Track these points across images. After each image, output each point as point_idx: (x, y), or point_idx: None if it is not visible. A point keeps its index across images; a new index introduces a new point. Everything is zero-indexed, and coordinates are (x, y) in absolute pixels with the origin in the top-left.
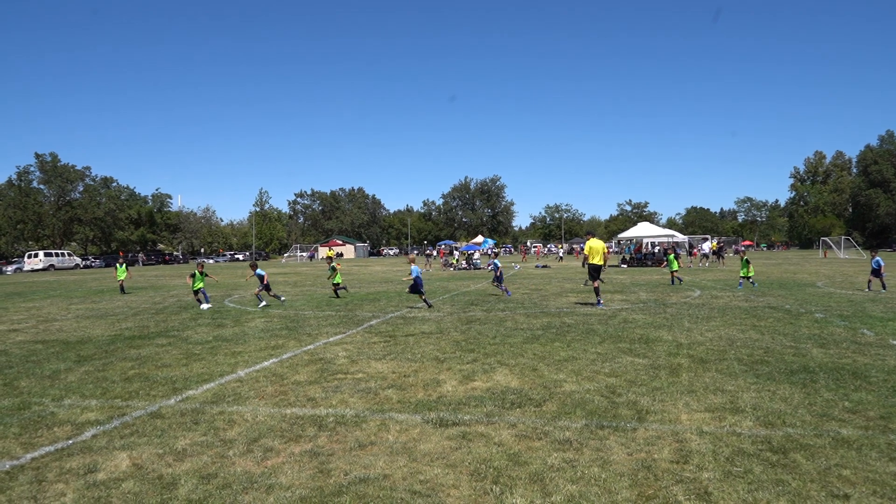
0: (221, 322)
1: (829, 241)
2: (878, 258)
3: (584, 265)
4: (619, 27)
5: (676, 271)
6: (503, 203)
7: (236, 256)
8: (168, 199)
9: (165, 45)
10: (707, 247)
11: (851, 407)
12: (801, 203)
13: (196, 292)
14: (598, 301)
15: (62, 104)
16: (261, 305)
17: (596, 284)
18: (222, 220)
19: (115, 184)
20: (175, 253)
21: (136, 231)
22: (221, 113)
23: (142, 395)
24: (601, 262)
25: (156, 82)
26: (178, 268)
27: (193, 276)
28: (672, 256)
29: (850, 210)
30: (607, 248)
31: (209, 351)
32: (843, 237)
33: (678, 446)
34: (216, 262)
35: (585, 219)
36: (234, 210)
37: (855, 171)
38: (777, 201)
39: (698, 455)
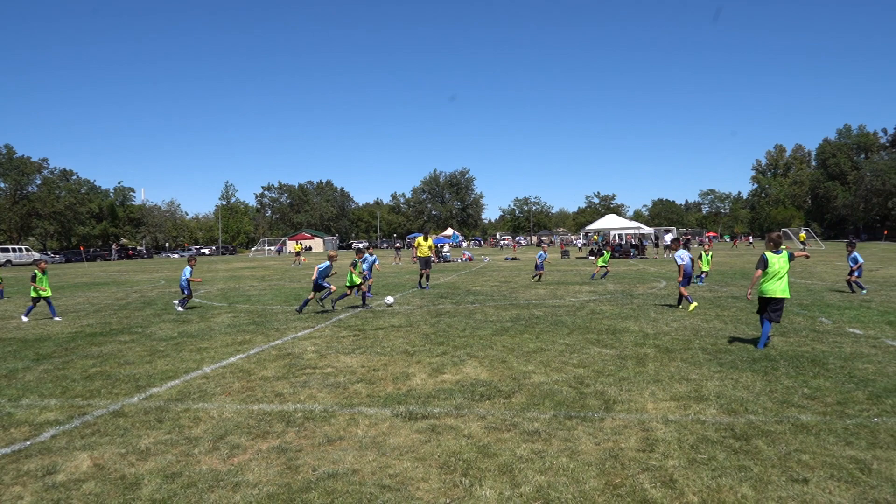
0: (186, 318)
1: (789, 231)
2: (855, 254)
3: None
4: (584, 20)
5: (604, 266)
6: (472, 196)
7: (202, 251)
8: (131, 193)
9: (123, 35)
10: (669, 238)
11: (810, 393)
12: (763, 195)
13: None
14: (426, 286)
15: (15, 95)
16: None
17: (426, 271)
18: (187, 214)
19: (74, 177)
20: (139, 248)
21: (97, 225)
22: (185, 104)
23: (103, 393)
24: (429, 255)
25: (115, 73)
26: (143, 263)
27: (35, 277)
28: (608, 254)
29: (810, 202)
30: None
31: (174, 347)
32: (802, 228)
33: (644, 435)
34: (181, 256)
35: (554, 211)
36: (199, 204)
37: (814, 163)
38: (740, 193)
39: (664, 443)
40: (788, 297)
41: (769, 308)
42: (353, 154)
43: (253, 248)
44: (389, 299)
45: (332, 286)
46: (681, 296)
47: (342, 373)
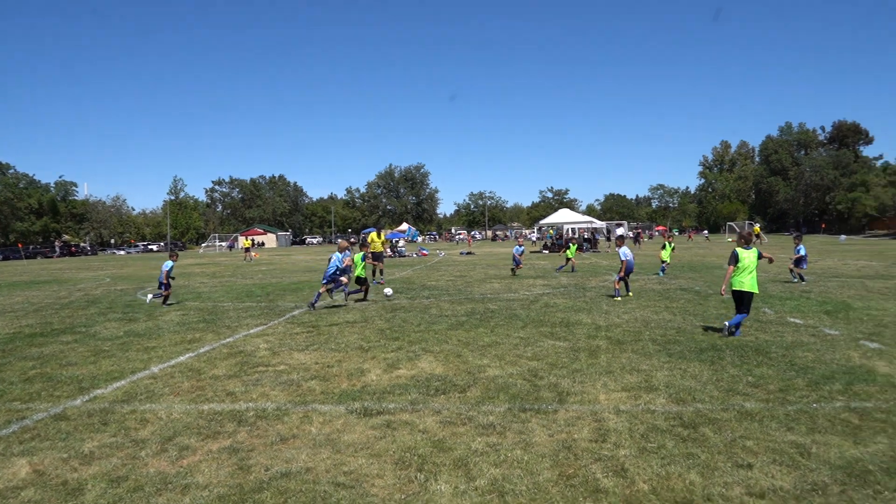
0: (133, 316)
1: (734, 225)
2: (801, 246)
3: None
4: (535, 16)
5: (571, 259)
6: (427, 190)
7: (150, 247)
8: (73, 188)
9: (60, 23)
10: (621, 232)
11: (754, 381)
12: (710, 190)
13: None
14: (381, 279)
15: None
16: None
17: (380, 265)
18: (133, 210)
19: (11, 171)
20: (83, 244)
21: (37, 221)
22: (130, 96)
23: (44, 396)
24: (381, 250)
25: (54, 63)
26: (87, 260)
27: None
28: (574, 246)
29: (754, 196)
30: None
31: (119, 347)
32: (746, 222)
33: (597, 426)
34: (128, 253)
35: (509, 205)
36: (146, 199)
37: (758, 159)
38: (688, 188)
39: (615, 433)
40: (756, 291)
41: (741, 300)
42: (306, 148)
43: (203, 244)
44: (388, 291)
45: (345, 279)
46: (626, 286)
47: (295, 370)
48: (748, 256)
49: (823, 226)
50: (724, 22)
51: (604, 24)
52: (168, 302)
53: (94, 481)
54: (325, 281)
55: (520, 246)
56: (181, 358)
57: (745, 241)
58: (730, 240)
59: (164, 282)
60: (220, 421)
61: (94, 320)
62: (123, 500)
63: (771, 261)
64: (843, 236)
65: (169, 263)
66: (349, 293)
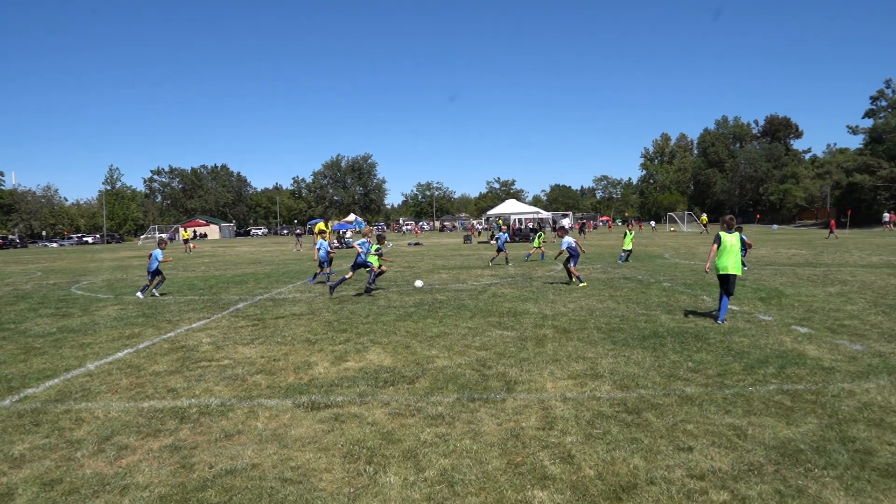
0: (67, 311)
1: (674, 216)
2: (742, 236)
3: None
4: (482, 7)
5: (537, 248)
6: (375, 181)
7: (85, 239)
8: None
9: None
10: (567, 222)
11: (694, 367)
12: (651, 181)
13: None
14: (331, 271)
15: None
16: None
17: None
18: (66, 200)
19: None
20: (11, 236)
21: None
22: (61, 81)
23: None
24: (329, 240)
25: None
26: (15, 253)
27: None
28: (540, 235)
29: (692, 187)
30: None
31: (52, 344)
32: (686, 212)
33: (544, 413)
34: (61, 245)
35: (456, 196)
36: (80, 189)
37: (696, 152)
38: (630, 179)
39: (562, 420)
40: (740, 273)
41: (725, 283)
42: (250, 137)
43: (142, 236)
44: (419, 283)
45: (374, 265)
46: (569, 275)
47: (240, 364)
48: (730, 240)
49: (758, 216)
50: (663, 18)
51: (547, 17)
52: (161, 291)
53: (26, 485)
54: (352, 269)
55: (503, 234)
56: (119, 354)
57: (728, 226)
58: (671, 230)
59: (154, 269)
60: (160, 418)
61: (25, 316)
62: (58, 503)
63: (751, 246)
64: (775, 226)
65: (158, 252)
66: (334, 286)
